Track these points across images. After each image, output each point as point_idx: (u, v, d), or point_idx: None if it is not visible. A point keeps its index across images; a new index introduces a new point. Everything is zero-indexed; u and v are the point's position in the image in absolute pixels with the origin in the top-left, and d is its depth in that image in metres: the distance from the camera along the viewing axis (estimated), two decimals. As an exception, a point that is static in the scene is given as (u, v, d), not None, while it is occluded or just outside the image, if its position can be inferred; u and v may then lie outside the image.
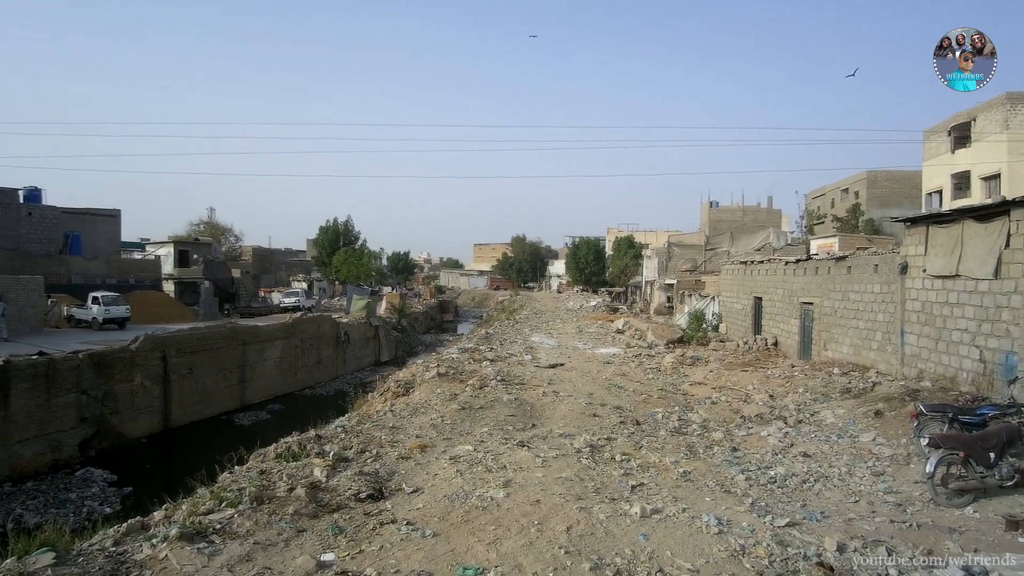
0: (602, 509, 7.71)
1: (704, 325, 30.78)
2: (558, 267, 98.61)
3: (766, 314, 26.84)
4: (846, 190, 49.65)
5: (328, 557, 5.89)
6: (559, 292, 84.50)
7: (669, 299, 50.94)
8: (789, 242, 48.03)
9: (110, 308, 30.43)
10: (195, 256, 50.02)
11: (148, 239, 57.04)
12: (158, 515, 7.06)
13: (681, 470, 10.12)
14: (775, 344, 25.20)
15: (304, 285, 63.81)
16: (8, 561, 5.74)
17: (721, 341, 28.59)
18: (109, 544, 6.26)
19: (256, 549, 5.95)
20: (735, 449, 12.16)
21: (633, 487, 8.86)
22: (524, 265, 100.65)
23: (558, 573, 5.88)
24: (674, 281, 48.80)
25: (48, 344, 22.87)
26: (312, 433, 10.41)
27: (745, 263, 30.38)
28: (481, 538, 6.53)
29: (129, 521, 6.66)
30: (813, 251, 30.66)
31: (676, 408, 15.19)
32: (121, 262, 41.95)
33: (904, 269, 16.31)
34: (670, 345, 27.57)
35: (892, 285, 16.90)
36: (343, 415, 18.97)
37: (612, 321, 40.08)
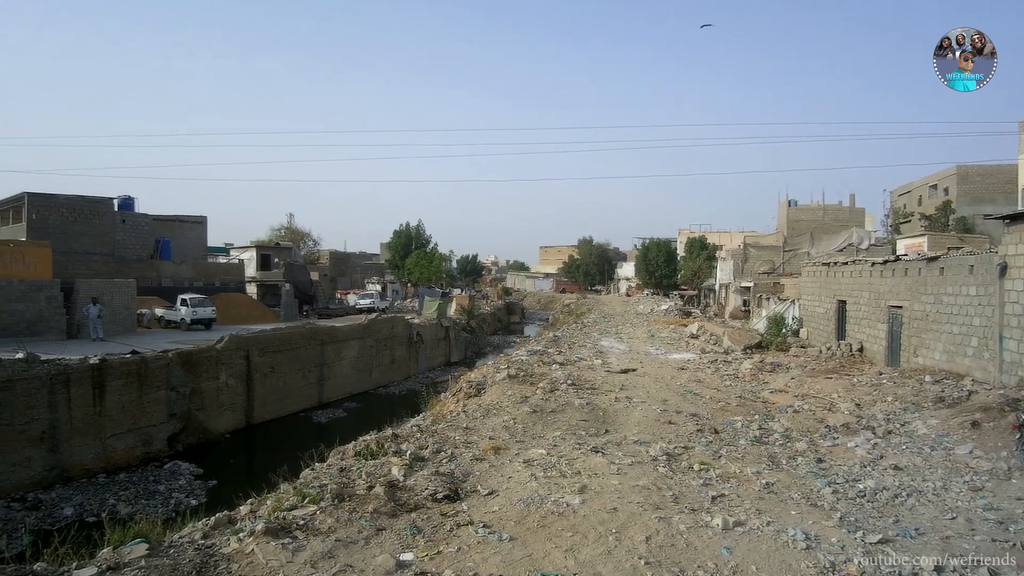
0: (682, 520, 7.48)
1: (784, 330, 29.61)
2: (627, 269, 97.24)
3: (850, 318, 25.61)
4: (935, 186, 46.90)
5: (407, 557, 5.93)
6: (628, 295, 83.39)
7: (745, 303, 49.39)
8: (873, 242, 45.77)
9: (197, 310, 31.99)
10: (276, 260, 52.16)
11: (232, 244, 59.92)
12: (244, 509, 7.33)
13: (763, 481, 9.71)
14: (860, 350, 24.02)
15: (378, 287, 65.46)
16: (105, 551, 6.06)
17: (802, 347, 27.45)
18: (198, 537, 6.52)
19: (338, 546, 6.06)
20: (820, 460, 11.59)
21: (713, 498, 8.56)
22: (591, 267, 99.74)
23: (638, 584, 5.72)
24: (751, 284, 47.27)
25: (140, 343, 24.18)
26: (389, 432, 10.58)
27: (828, 264, 29.07)
28: (558, 544, 6.44)
29: (216, 515, 6.93)
30: (900, 251, 29.06)
31: (756, 416, 14.62)
32: (207, 266, 44.15)
33: (1004, 270, 15.19)
34: (748, 351, 26.65)
35: (990, 287, 15.78)
36: (416, 414, 19.27)
37: (685, 325, 39.11)
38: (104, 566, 5.55)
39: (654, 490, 8.54)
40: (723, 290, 58.23)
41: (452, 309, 51.62)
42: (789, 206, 60.98)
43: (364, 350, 33.40)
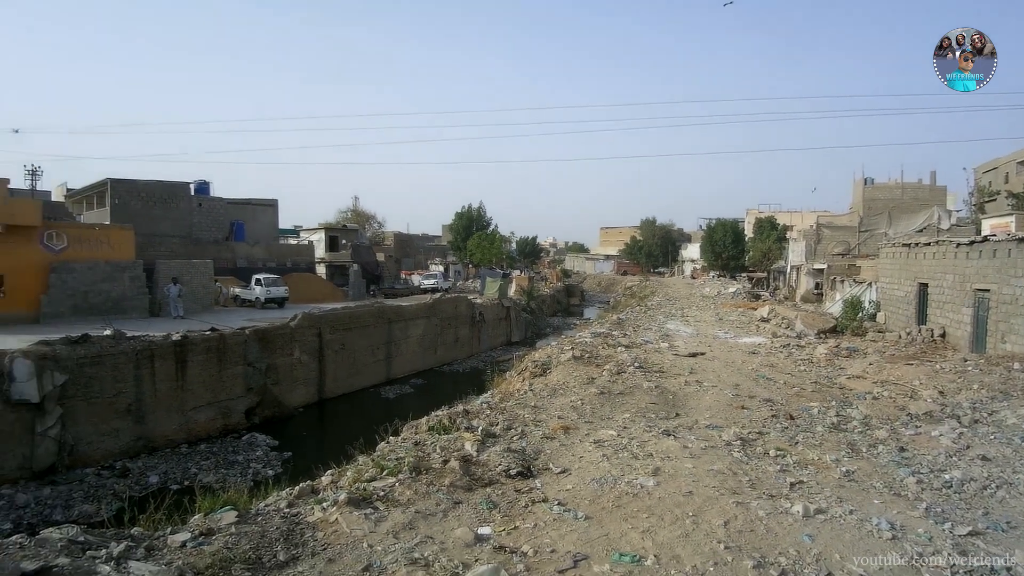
0: (760, 505, 7.29)
1: (860, 314, 28.41)
2: (692, 251, 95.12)
3: (932, 302, 24.32)
4: (1023, 163, 43.78)
5: (485, 531, 6.00)
6: (693, 278, 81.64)
7: (818, 285, 47.60)
8: (955, 222, 43.20)
9: (271, 289, 33.19)
10: (343, 241, 53.50)
11: (300, 227, 61.72)
12: (325, 480, 7.57)
13: (843, 469, 9.34)
14: (942, 335, 22.82)
15: (441, 268, 66.31)
16: (196, 517, 6.36)
17: (879, 331, 26.29)
18: (283, 505, 6.77)
19: (417, 518, 6.18)
20: (902, 449, 11.05)
21: (792, 484, 8.29)
22: (654, 249, 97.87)
23: (719, 569, 5.60)
24: (824, 266, 45.47)
25: (218, 321, 25.25)
26: (460, 408, 10.73)
27: (908, 245, 27.62)
28: (634, 525, 6.38)
29: (300, 485, 7.19)
30: (986, 231, 27.33)
31: (833, 403, 14.07)
32: (279, 247, 45.65)
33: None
34: (821, 335, 25.72)
35: (1085, 270, 14.65)
36: (480, 392, 19.46)
37: (754, 309, 38.06)
38: (197, 532, 5.83)
39: (729, 475, 8.35)
40: (794, 272, 56.24)
41: (512, 290, 51.81)
42: (865, 184, 58.26)
43: (429, 328, 34.01)
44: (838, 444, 10.97)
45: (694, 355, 18.79)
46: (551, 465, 8.08)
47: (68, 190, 44.30)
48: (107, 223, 32.96)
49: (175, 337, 20.57)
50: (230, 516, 6.17)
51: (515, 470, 7.56)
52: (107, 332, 19.28)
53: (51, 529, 5.49)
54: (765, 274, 64.37)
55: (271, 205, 47.95)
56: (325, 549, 5.58)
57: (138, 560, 5.06)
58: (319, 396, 26.40)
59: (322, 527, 5.98)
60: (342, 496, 6.38)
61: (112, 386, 18.47)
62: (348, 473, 7.50)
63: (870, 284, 33.62)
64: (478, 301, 41.71)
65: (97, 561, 4.82)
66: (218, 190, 44.02)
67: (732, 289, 54.43)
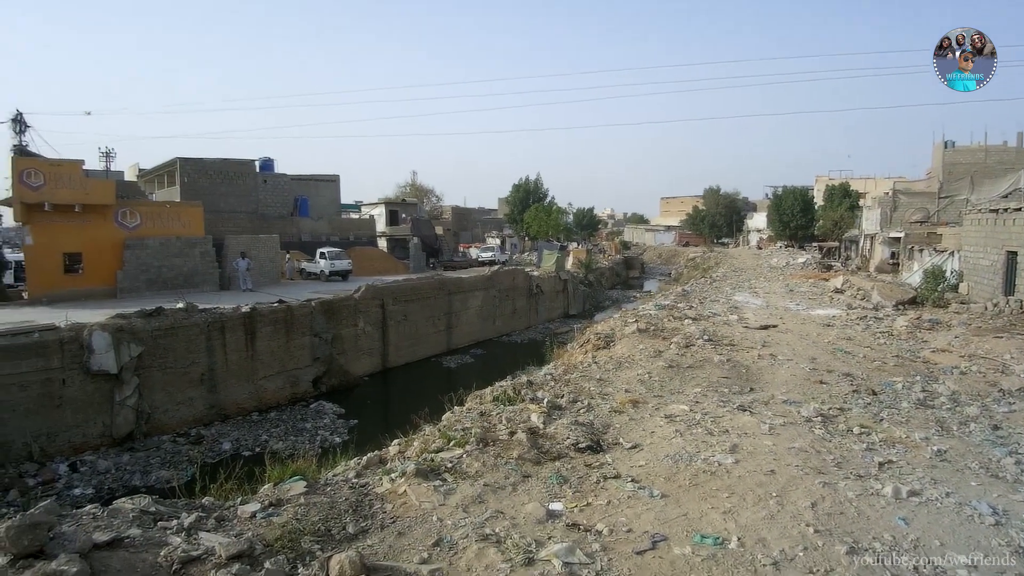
0: (848, 486, 6.83)
1: (942, 284, 26.76)
2: (757, 220, 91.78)
3: (1022, 271, 22.65)
4: None
5: (556, 507, 5.78)
6: (759, 248, 78.85)
7: (894, 255, 45.20)
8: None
9: (335, 262, 33.78)
10: (403, 215, 53.97)
11: (361, 202, 62.54)
12: (392, 450, 7.51)
13: (934, 448, 8.70)
14: (1034, 306, 21.24)
15: (497, 241, 66.23)
16: (266, 487, 6.37)
17: (962, 303, 24.68)
18: (351, 476, 6.73)
19: (486, 491, 6.02)
20: (996, 427, 10.26)
21: (880, 464, 7.74)
22: (718, 219, 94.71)
23: (809, 554, 5.22)
24: (901, 234, 43.07)
25: (285, 294, 25.83)
26: (524, 379, 10.53)
27: (996, 211, 25.70)
28: (714, 505, 6.04)
29: (368, 455, 7.14)
30: None
31: (917, 378, 13.22)
32: (342, 221, 46.36)
33: None
34: (900, 307, 24.35)
35: None
36: (539, 363, 19.26)
37: (826, 280, 36.42)
38: (267, 502, 5.83)
39: (812, 453, 7.88)
40: (868, 241, 53.56)
41: (570, 263, 51.26)
42: (945, 148, 54.71)
43: (488, 300, 34.11)
44: (926, 421, 10.28)
45: (766, 327, 18.03)
46: (621, 440, 7.79)
47: (140, 170, 46.02)
48: (177, 201, 34.06)
49: (244, 309, 21.13)
50: (299, 486, 6.16)
51: (584, 444, 7.30)
52: (180, 305, 19.91)
53: (124, 499, 5.57)
54: (837, 244, 61.50)
55: (333, 180, 48.65)
56: (394, 522, 5.48)
57: (208, 531, 5.07)
58: (383, 365, 26.93)
59: (390, 498, 5.90)
60: (410, 467, 6.28)
61: (185, 356, 19.15)
62: (415, 443, 7.41)
63: (952, 253, 31.66)
64: (535, 273, 41.48)
65: (168, 532, 4.86)
66: (281, 167, 44.94)
67: (801, 259, 52.31)
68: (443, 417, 9.34)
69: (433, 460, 6.67)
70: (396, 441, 8.19)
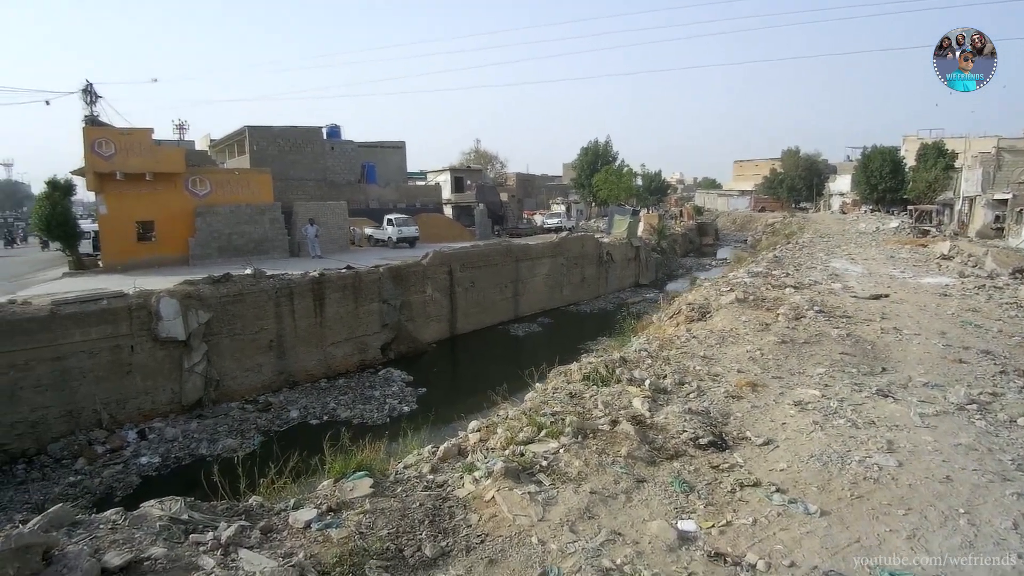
0: (1051, 500, 5.29)
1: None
2: (840, 183, 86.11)
3: None
4: None
5: (688, 526, 4.50)
6: (843, 212, 73.96)
7: (998, 218, 41.24)
8: None
9: (402, 228, 33.28)
10: (468, 182, 52.96)
11: (425, 171, 61.77)
12: (472, 438, 6.32)
13: None
14: None
15: (563, 207, 64.42)
16: (324, 484, 5.34)
17: (1094, 272, 21.76)
18: (426, 471, 5.63)
19: (595, 501, 4.78)
20: None
21: (1073, 468, 6.15)
22: (797, 182, 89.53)
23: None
24: (1008, 195, 39.12)
25: (353, 260, 25.33)
26: (616, 355, 9.18)
27: None
28: (891, 526, 4.64)
29: (445, 444, 5.97)
30: None
31: (1071, 356, 11.22)
32: (408, 188, 45.70)
33: None
34: (1018, 275, 21.62)
35: None
36: (611, 334, 17.95)
37: (923, 246, 33.33)
38: (324, 506, 4.79)
39: (984, 452, 6.30)
40: (966, 204, 49.16)
41: (641, 229, 49.11)
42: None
43: (555, 268, 32.80)
44: (1107, 412, 8.45)
45: (877, 297, 16.01)
46: (748, 434, 6.39)
47: (211, 140, 46.50)
48: (246, 168, 33.99)
49: (312, 275, 20.58)
50: (364, 485, 5.10)
51: (705, 439, 5.96)
52: (248, 271, 19.52)
53: (152, 502, 4.62)
54: (939, 207, 56.76)
55: (399, 147, 47.96)
56: (483, 541, 4.34)
57: (251, 547, 4.06)
58: (450, 332, 26.17)
59: (476, 506, 4.76)
60: (497, 465, 5.10)
61: (254, 323, 18.73)
62: (499, 431, 6.20)
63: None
64: (605, 240, 39.71)
65: (201, 549, 3.87)
66: (348, 134, 44.48)
67: (893, 224, 48.41)
68: (527, 397, 8.13)
69: (523, 455, 5.45)
70: (475, 426, 7.01)
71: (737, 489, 5.11)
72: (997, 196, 41.88)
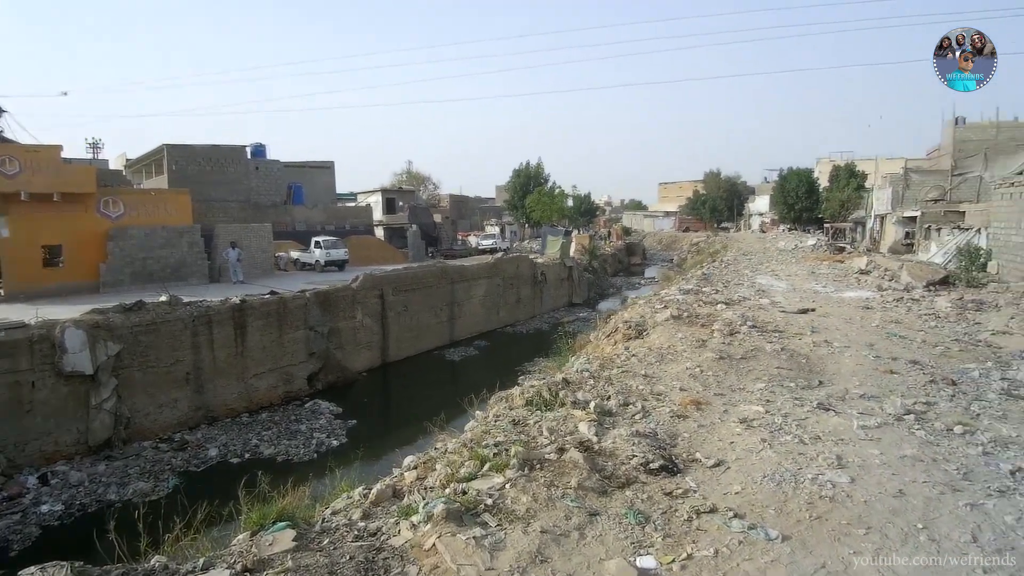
0: (998, 507, 5.30)
1: (977, 263, 25.33)
2: (759, 204, 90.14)
3: (1067, 249, 21.16)
4: None
5: (647, 563, 4.14)
6: (763, 232, 77.30)
7: (908, 235, 43.75)
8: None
9: (331, 251, 32.17)
10: (400, 203, 52.21)
11: (355, 193, 60.60)
12: (408, 476, 5.78)
13: (1055, 448, 7.19)
14: (1083, 286, 19.78)
15: (497, 229, 64.47)
16: (241, 538, 4.72)
17: (993, 282, 23.24)
18: (357, 517, 5.05)
19: (546, 542, 4.35)
20: (1106, 420, 8.75)
21: (1012, 473, 6.23)
22: (719, 203, 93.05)
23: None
24: (917, 213, 41.58)
25: (278, 285, 24.26)
26: (559, 377, 8.84)
27: (1035, 185, 24.21)
28: (853, 547, 4.45)
29: (378, 485, 5.38)
30: None
31: (989, 364, 11.70)
32: (337, 210, 44.55)
33: None
34: (931, 288, 22.78)
35: None
36: (550, 355, 17.70)
37: (841, 262, 34.96)
38: (239, 565, 4.17)
39: (930, 462, 6.31)
40: (878, 222, 52.07)
41: (573, 249, 49.64)
42: (956, 124, 53.13)
43: (491, 289, 32.50)
44: (1026, 415, 8.75)
45: (804, 311, 16.44)
46: (698, 455, 6.16)
47: (127, 160, 44.13)
48: (164, 188, 32.29)
49: (233, 301, 19.48)
50: (286, 538, 4.50)
51: (656, 463, 5.66)
52: (163, 298, 18.30)
53: (32, 570, 3.90)
54: (852, 225, 59.95)
55: (327, 167, 46.85)
56: (424, 598, 3.87)
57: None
58: (382, 359, 25.27)
59: (415, 556, 4.25)
60: (437, 507, 4.60)
61: (169, 354, 17.52)
62: (438, 467, 5.69)
63: (979, 231, 30.19)
64: (539, 260, 39.83)
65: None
66: (275, 152, 43.16)
67: (811, 242, 50.74)
68: (467, 426, 7.66)
69: (466, 493, 4.98)
70: (410, 462, 6.46)
71: (694, 517, 4.82)
72: (907, 214, 44.44)
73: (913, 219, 42.92)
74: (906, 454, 6.49)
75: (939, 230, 36.98)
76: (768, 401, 8.13)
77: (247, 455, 16.24)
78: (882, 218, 50.58)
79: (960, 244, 29.53)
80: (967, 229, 32.25)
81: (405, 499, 5.11)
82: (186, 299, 18.92)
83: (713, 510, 4.92)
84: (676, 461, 5.94)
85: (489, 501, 4.80)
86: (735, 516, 4.83)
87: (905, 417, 8.03)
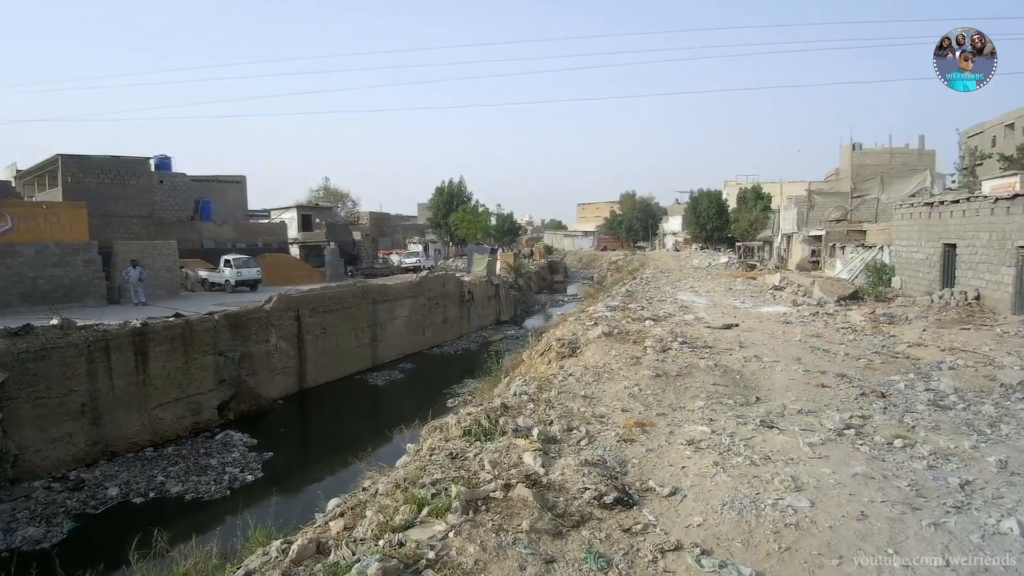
0: (959, 524, 5.21)
1: (884, 278, 26.75)
2: (673, 224, 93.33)
3: (962, 263, 22.54)
4: (1011, 125, 42.94)
5: (618, 617, 3.66)
6: (676, 250, 79.93)
7: (814, 252, 46.04)
8: (949, 185, 42.04)
9: (242, 271, 30.44)
10: (317, 220, 50.41)
11: (269, 210, 58.21)
12: (335, 526, 4.98)
13: (992, 458, 7.29)
14: (976, 298, 21.14)
15: (420, 247, 63.53)
16: None
17: (896, 296, 24.60)
18: (275, 578, 4.30)
19: (502, 601, 3.80)
20: (1028, 426, 9.05)
21: (961, 486, 6.20)
22: (634, 223, 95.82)
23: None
24: (821, 232, 43.83)
25: (184, 306, 22.65)
26: (497, 403, 8.25)
27: (931, 204, 25.78)
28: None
29: (299, 540, 4.53)
30: (985, 193, 25.71)
31: (911, 375, 12.07)
32: (249, 226, 42.44)
33: None
34: (842, 302, 23.81)
35: None
36: (479, 376, 17.15)
37: (753, 278, 36.38)
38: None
39: (880, 480, 6.19)
40: (784, 241, 54.66)
41: (498, 267, 49.50)
42: (854, 149, 56.84)
43: (416, 309, 31.58)
44: (956, 425, 8.95)
45: (728, 327, 16.65)
46: (651, 483, 5.74)
47: (18, 171, 40.51)
48: (57, 201, 29.68)
49: (134, 325, 17.88)
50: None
51: (610, 496, 5.19)
52: (54, 321, 16.61)
53: None
54: (761, 243, 62.73)
55: (238, 182, 44.60)
56: None
57: None
58: (300, 386, 23.85)
59: (347, 627, 3.59)
60: (371, 566, 3.88)
61: (61, 384, 15.83)
62: (368, 513, 4.93)
63: (881, 248, 31.98)
64: (466, 279, 39.30)
65: None
66: (181, 165, 40.72)
67: (723, 260, 52.70)
68: (399, 462, 6.96)
69: (404, 545, 4.28)
70: (335, 507, 5.65)
71: (659, 556, 4.37)
72: (812, 233, 46.76)
73: (818, 238, 45.17)
74: (857, 471, 6.34)
75: (843, 248, 38.95)
76: (711, 420, 7.89)
77: (152, 494, 14.78)
78: (788, 237, 53.08)
79: (867, 261, 31.09)
80: (871, 247, 34.07)
81: (332, 555, 4.34)
82: (80, 322, 17.24)
83: (678, 547, 4.49)
84: (630, 491, 5.50)
85: (431, 555, 4.15)
86: (702, 553, 4.42)
87: (846, 432, 7.99)
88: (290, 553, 4.43)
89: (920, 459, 7.08)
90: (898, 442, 7.73)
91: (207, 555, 4.61)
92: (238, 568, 4.73)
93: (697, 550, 4.44)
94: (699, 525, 4.90)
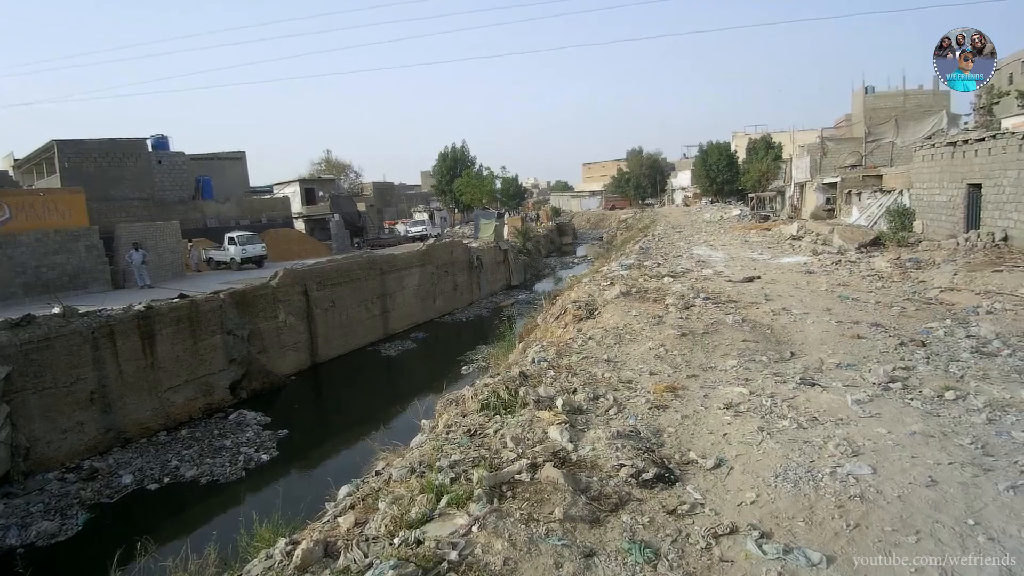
0: (1039, 490, 4.59)
1: (907, 223, 25.89)
2: (681, 179, 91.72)
3: (988, 204, 21.62)
4: (1029, 61, 41.35)
5: (673, 623, 3.15)
6: (686, 206, 78.69)
7: (829, 200, 44.95)
8: (965, 125, 40.57)
9: (246, 247, 29.92)
10: (321, 193, 49.68)
11: (272, 184, 57.43)
12: (345, 521, 4.48)
13: (1056, 408, 6.69)
14: (1004, 239, 20.29)
15: (425, 215, 62.76)
16: None
17: (917, 241, 23.78)
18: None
19: (539, 606, 3.28)
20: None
21: (1029, 444, 5.60)
22: (642, 181, 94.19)
23: None
24: (836, 179, 42.66)
25: (189, 287, 22.22)
26: (516, 371, 7.71)
27: (953, 144, 24.73)
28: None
29: (305, 543, 4.04)
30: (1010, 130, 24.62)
31: (948, 322, 11.42)
32: (252, 202, 41.79)
33: None
34: (863, 249, 23.04)
35: None
36: (493, 342, 16.67)
37: (767, 230, 35.55)
38: None
39: (941, 438, 5.61)
40: (798, 190, 53.47)
41: (506, 232, 48.76)
42: (866, 94, 55.11)
43: (425, 277, 31.07)
44: (1005, 373, 8.32)
45: (751, 279, 16.00)
46: (692, 454, 5.21)
47: (15, 160, 39.96)
48: (55, 188, 29.15)
49: (137, 308, 17.48)
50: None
51: (649, 472, 4.67)
52: (56, 310, 16.21)
53: None
54: (773, 194, 61.46)
55: (238, 158, 43.89)
56: None
57: None
58: (311, 361, 23.55)
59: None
60: (385, 571, 3.44)
61: (68, 373, 15.51)
62: (381, 505, 4.43)
63: (900, 192, 30.97)
64: (474, 245, 38.67)
65: None
66: (179, 144, 39.91)
67: (736, 212, 51.69)
68: (413, 442, 6.46)
69: (422, 544, 3.76)
70: (346, 498, 5.15)
71: (712, 543, 3.85)
72: (826, 180, 45.58)
73: (833, 185, 44.03)
74: (914, 430, 5.77)
75: (859, 194, 37.90)
76: (747, 380, 7.33)
77: (167, 479, 14.54)
78: (802, 186, 51.87)
79: (887, 206, 30.13)
80: (888, 192, 33.04)
81: (341, 558, 3.84)
82: (83, 309, 16.84)
83: (733, 530, 3.97)
84: (670, 466, 4.96)
85: (454, 555, 3.62)
86: (762, 536, 3.89)
87: (891, 385, 7.41)
88: (295, 558, 3.93)
89: (976, 412, 6.50)
90: (949, 394, 7.14)
91: (204, 561, 4.14)
92: (242, 571, 4.26)
93: (755, 532, 3.91)
94: (752, 502, 4.36)
